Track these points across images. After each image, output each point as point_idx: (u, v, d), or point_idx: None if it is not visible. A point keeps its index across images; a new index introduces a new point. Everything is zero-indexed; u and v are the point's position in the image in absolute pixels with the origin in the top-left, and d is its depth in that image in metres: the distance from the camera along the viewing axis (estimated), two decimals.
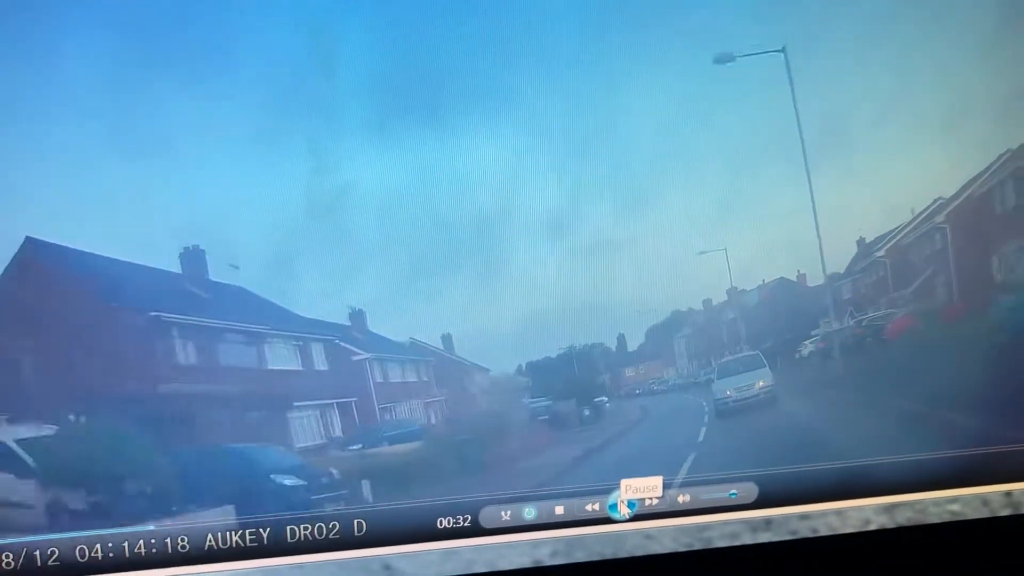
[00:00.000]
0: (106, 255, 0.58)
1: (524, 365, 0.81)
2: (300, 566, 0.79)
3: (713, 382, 0.93)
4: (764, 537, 0.82)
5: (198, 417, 0.58)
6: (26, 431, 0.51)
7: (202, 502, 0.56)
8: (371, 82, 0.80)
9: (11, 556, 0.77)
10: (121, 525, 0.59)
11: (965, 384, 0.84)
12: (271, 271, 0.80)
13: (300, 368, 0.63)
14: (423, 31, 0.80)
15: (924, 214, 0.83)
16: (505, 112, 0.81)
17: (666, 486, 0.83)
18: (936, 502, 0.83)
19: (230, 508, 0.56)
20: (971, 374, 0.83)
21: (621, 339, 0.86)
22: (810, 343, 0.90)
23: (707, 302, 0.86)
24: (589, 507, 0.82)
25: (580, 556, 0.81)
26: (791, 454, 0.84)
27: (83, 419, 0.52)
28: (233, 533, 0.79)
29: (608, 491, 0.83)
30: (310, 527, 0.80)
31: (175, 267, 0.70)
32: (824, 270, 0.85)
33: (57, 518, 0.52)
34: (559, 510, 0.82)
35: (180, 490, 0.59)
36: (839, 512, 0.82)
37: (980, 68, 0.84)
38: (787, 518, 0.82)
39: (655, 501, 0.83)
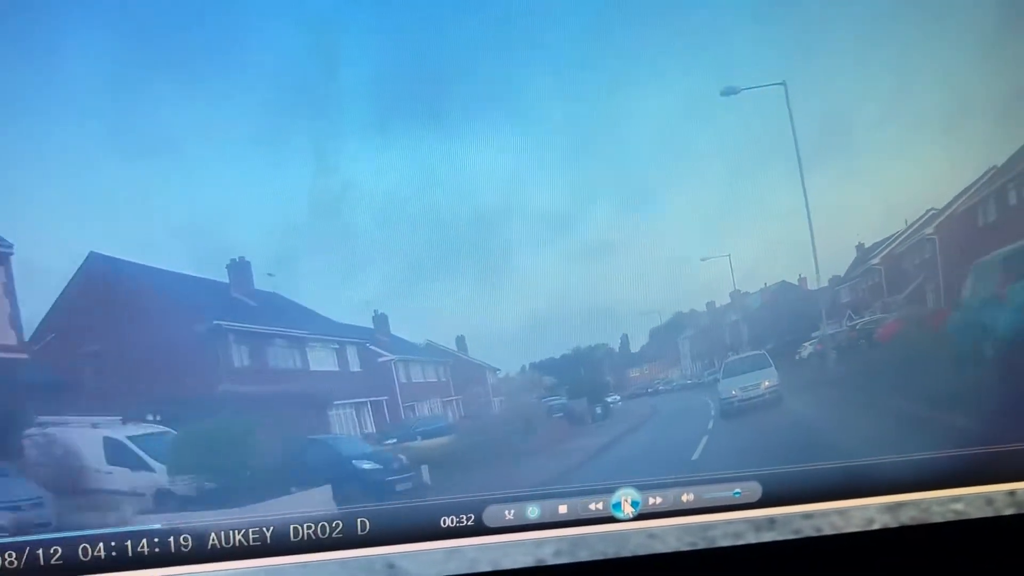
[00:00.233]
0: (167, 268, 0.63)
1: (532, 365, 0.83)
2: (303, 565, 0.79)
3: (719, 382, 0.93)
4: (768, 536, 0.82)
5: (260, 413, 0.64)
6: (136, 429, 0.58)
7: (301, 484, 0.63)
8: (373, 82, 0.80)
9: (14, 555, 0.77)
10: (214, 508, 0.63)
11: (962, 384, 0.85)
12: (273, 271, 0.80)
13: (337, 369, 0.69)
14: (425, 32, 0.80)
15: (916, 224, 0.85)
16: (508, 112, 0.81)
17: (670, 485, 0.83)
18: (940, 501, 0.83)
19: (327, 488, 0.64)
20: (965, 375, 0.85)
21: (625, 339, 0.87)
22: (809, 345, 0.90)
23: (711, 304, 0.87)
24: (593, 506, 0.82)
25: (584, 555, 0.81)
26: (795, 453, 0.84)
27: (181, 417, 0.59)
28: (236, 532, 0.79)
29: (612, 490, 0.82)
30: (313, 526, 0.79)
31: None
32: (818, 274, 0.86)
33: (166, 503, 0.60)
34: (563, 509, 0.82)
35: (279, 474, 0.66)
36: (843, 511, 0.82)
37: (981, 69, 0.84)
38: (791, 517, 0.82)
39: (659, 500, 0.83)
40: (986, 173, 0.84)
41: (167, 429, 0.59)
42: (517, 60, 0.81)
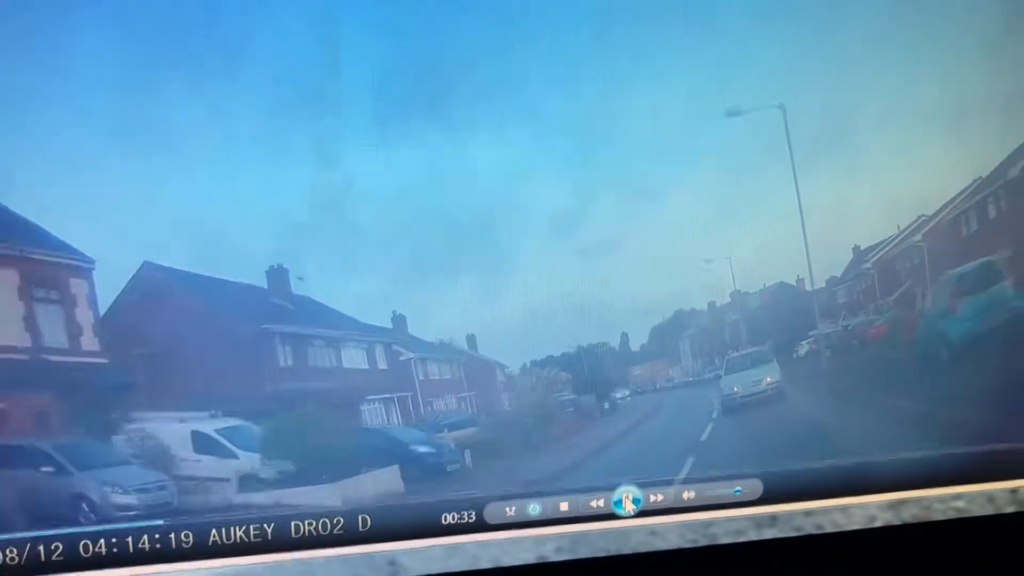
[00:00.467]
0: (215, 276, 0.68)
1: (537, 362, 0.84)
2: (305, 562, 0.79)
3: (721, 378, 0.93)
4: (769, 533, 0.82)
5: (310, 408, 0.71)
6: (221, 423, 0.67)
7: (371, 465, 0.70)
8: (376, 80, 0.80)
9: (15, 551, 0.77)
10: (298, 486, 0.67)
11: (957, 383, 0.87)
12: (275, 268, 0.80)
13: (367, 367, 0.75)
14: (429, 29, 0.80)
15: (907, 230, 0.87)
16: (512, 110, 0.81)
17: (671, 482, 0.83)
18: (941, 499, 0.82)
19: (395, 468, 0.72)
20: (933, 376, 0.87)
21: (626, 337, 0.87)
22: (806, 343, 0.90)
23: (712, 304, 0.87)
24: (594, 503, 0.82)
25: (585, 552, 0.81)
26: (796, 450, 0.85)
27: (256, 411, 0.67)
28: (237, 528, 0.79)
29: (613, 487, 0.82)
30: (314, 522, 0.79)
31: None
32: (811, 275, 0.87)
33: (250, 486, 0.67)
34: (564, 506, 0.82)
35: (350, 458, 0.73)
36: (844, 509, 0.82)
37: (983, 71, 0.84)
38: (792, 515, 0.82)
39: (660, 497, 0.83)
40: (973, 183, 0.85)
41: (244, 422, 0.67)
42: (520, 58, 0.81)
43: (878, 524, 0.82)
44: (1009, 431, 0.84)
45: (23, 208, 0.76)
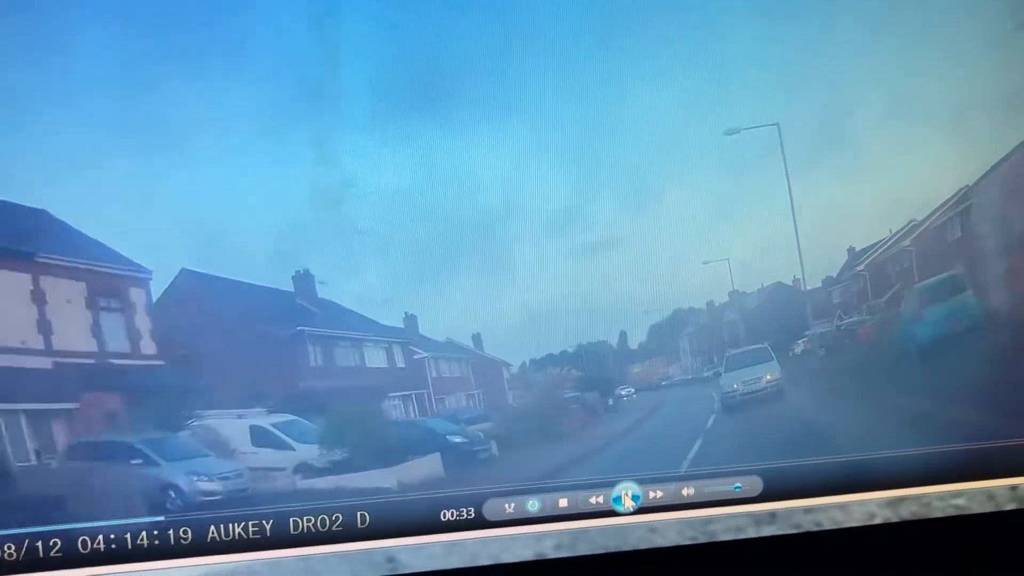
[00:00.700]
0: (250, 281, 0.73)
1: (538, 360, 0.84)
2: (303, 558, 0.79)
3: (720, 376, 0.93)
4: (768, 531, 0.82)
5: (357, 404, 0.78)
6: (276, 418, 0.72)
7: (415, 453, 0.76)
8: (376, 79, 0.80)
9: (13, 547, 0.77)
10: (349, 472, 0.73)
11: (929, 379, 0.87)
12: (276, 266, 0.80)
13: (387, 366, 0.79)
14: (429, 27, 0.80)
15: (898, 235, 0.88)
16: (510, 109, 0.82)
17: (671, 479, 0.83)
18: (941, 496, 0.82)
19: (436, 455, 0.76)
20: (925, 372, 0.88)
21: (624, 336, 0.87)
22: (801, 342, 0.90)
23: (710, 303, 0.87)
24: (593, 500, 0.82)
25: (584, 549, 0.81)
26: (794, 447, 0.85)
27: (302, 407, 0.73)
28: (236, 525, 0.79)
29: (612, 484, 0.82)
30: (313, 519, 0.79)
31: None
32: (803, 276, 0.87)
33: (306, 474, 0.73)
34: (563, 503, 0.82)
35: (395, 447, 0.78)
36: (843, 506, 0.82)
37: (982, 74, 0.85)
38: (791, 512, 0.82)
39: (659, 494, 0.83)
40: (959, 191, 0.86)
41: (296, 417, 0.73)
42: (519, 57, 0.81)
43: (877, 521, 0.82)
44: (1002, 428, 0.84)
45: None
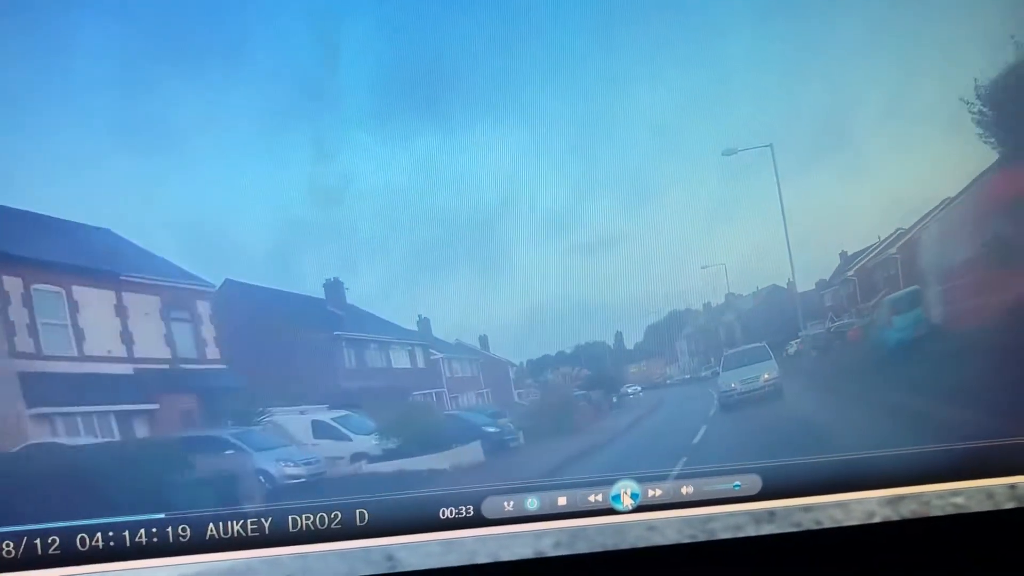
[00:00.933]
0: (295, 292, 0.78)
1: (545, 359, 0.86)
2: (302, 556, 0.79)
3: (719, 375, 0.93)
4: (768, 529, 0.82)
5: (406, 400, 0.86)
6: (335, 413, 0.80)
7: (458, 441, 0.82)
8: (374, 79, 0.80)
9: (11, 544, 0.77)
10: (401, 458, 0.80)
11: (906, 378, 0.88)
12: (273, 264, 0.80)
13: (410, 366, 0.85)
14: (428, 29, 0.80)
15: (885, 243, 0.88)
16: (509, 109, 0.82)
17: (669, 477, 0.83)
18: (940, 495, 0.82)
19: (477, 443, 0.83)
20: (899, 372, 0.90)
21: (621, 336, 0.87)
22: (795, 343, 0.91)
23: (707, 305, 0.87)
24: (592, 498, 0.82)
25: (583, 547, 0.81)
26: (792, 446, 0.85)
27: (351, 403, 0.81)
28: (235, 523, 0.78)
29: (611, 482, 0.82)
30: (312, 517, 0.79)
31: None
32: (793, 279, 0.88)
33: (367, 460, 0.80)
34: (562, 501, 0.82)
35: (440, 435, 0.83)
36: (843, 504, 0.82)
37: (982, 73, 0.85)
38: (791, 510, 0.82)
39: (658, 492, 0.82)
40: (942, 203, 0.86)
41: (350, 412, 0.81)
42: (518, 60, 0.81)
43: (877, 520, 0.82)
44: (1000, 427, 0.84)
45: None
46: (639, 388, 0.92)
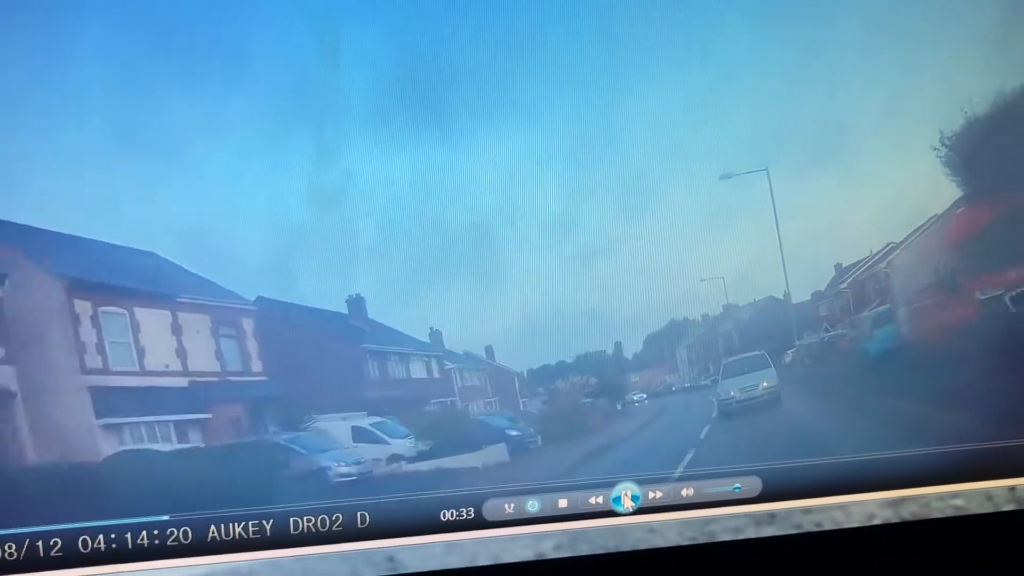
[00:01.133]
0: (322, 307, 0.83)
1: (547, 367, 0.88)
2: (303, 558, 0.79)
3: (718, 383, 0.93)
4: (768, 531, 0.82)
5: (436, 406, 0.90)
6: (372, 419, 0.85)
7: (486, 442, 0.87)
8: (374, 85, 0.81)
9: (13, 547, 0.77)
10: (434, 458, 0.85)
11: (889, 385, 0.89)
12: (273, 269, 0.81)
13: (427, 376, 0.89)
14: (428, 34, 0.81)
15: (876, 256, 0.90)
16: (509, 115, 0.82)
17: (670, 479, 0.83)
18: (940, 497, 0.83)
19: (502, 444, 0.87)
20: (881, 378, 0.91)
21: (620, 346, 0.88)
22: (791, 352, 0.92)
23: (705, 315, 0.88)
24: (593, 500, 0.82)
25: (584, 549, 0.81)
26: (791, 450, 0.85)
27: (383, 411, 0.86)
28: (236, 525, 0.79)
29: (612, 484, 0.83)
30: (313, 519, 0.80)
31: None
32: (788, 290, 0.89)
33: (396, 461, 0.84)
34: (563, 503, 0.82)
35: (468, 437, 0.87)
36: (843, 506, 0.82)
37: (980, 78, 0.86)
38: (791, 512, 0.82)
39: (659, 495, 0.83)
40: (928, 220, 0.88)
41: (384, 418, 0.86)
42: (518, 63, 0.82)
43: (877, 522, 0.82)
44: (998, 430, 0.85)
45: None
46: (644, 396, 0.93)
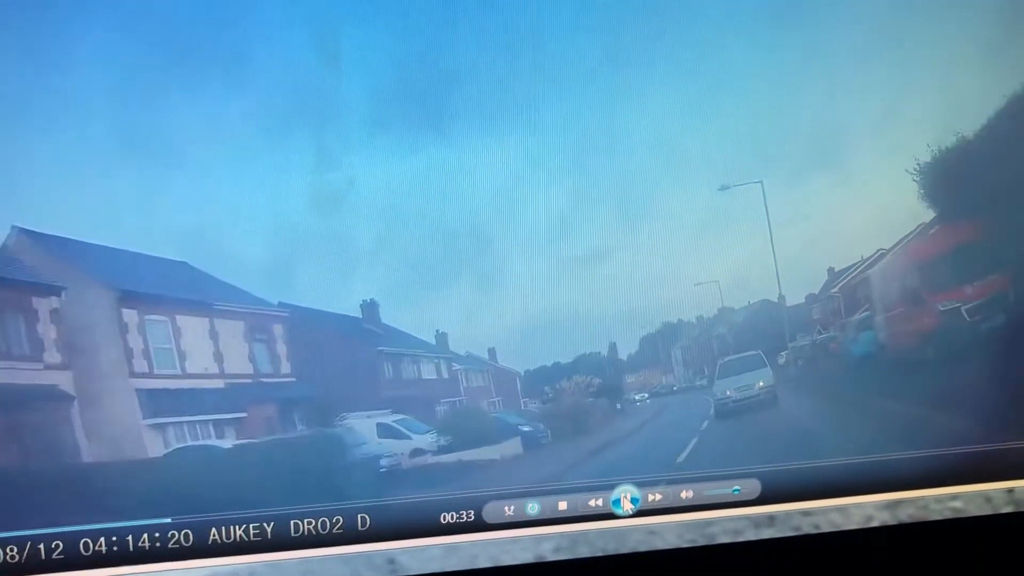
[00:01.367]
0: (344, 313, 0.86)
1: (545, 368, 0.89)
2: (304, 560, 0.79)
3: (714, 382, 0.94)
4: (767, 533, 0.82)
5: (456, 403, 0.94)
6: (395, 417, 0.89)
7: (501, 437, 0.90)
8: (374, 90, 0.81)
9: (15, 549, 0.77)
10: (450, 452, 0.88)
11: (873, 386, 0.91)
12: (272, 273, 0.81)
13: (436, 377, 0.93)
14: (428, 38, 0.81)
15: (867, 262, 0.90)
16: (509, 119, 0.83)
17: (670, 481, 0.83)
18: (938, 499, 0.83)
19: (517, 439, 0.90)
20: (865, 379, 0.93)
21: (615, 347, 0.89)
22: (784, 354, 0.92)
23: (700, 318, 0.89)
24: (592, 503, 0.83)
25: (583, 552, 0.81)
26: (789, 450, 0.85)
27: (404, 408, 0.91)
28: (237, 527, 0.79)
29: (611, 487, 0.83)
30: (314, 521, 0.80)
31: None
32: (780, 293, 0.90)
33: (419, 459, 0.87)
34: (562, 505, 0.82)
35: (485, 432, 0.90)
36: (842, 509, 0.82)
37: (977, 82, 0.86)
38: (790, 514, 0.82)
39: (658, 497, 0.83)
40: (917, 227, 0.88)
41: (406, 416, 0.89)
42: (516, 69, 0.82)
43: (875, 524, 0.83)
44: (997, 433, 0.85)
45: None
46: (646, 395, 0.94)
